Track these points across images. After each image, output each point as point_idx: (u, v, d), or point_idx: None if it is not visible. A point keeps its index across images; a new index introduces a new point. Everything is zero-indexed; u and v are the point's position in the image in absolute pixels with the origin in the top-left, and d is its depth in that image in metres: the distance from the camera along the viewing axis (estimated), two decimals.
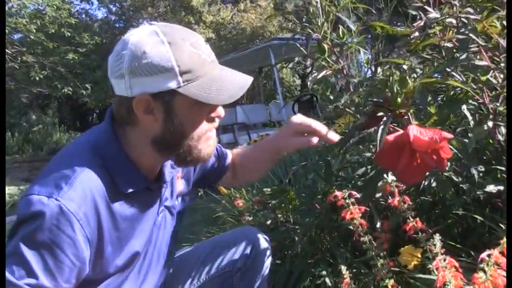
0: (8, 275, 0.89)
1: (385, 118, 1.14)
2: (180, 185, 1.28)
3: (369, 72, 1.55)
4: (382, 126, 1.11)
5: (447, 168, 1.29)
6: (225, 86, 1.01)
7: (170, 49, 0.97)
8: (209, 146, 1.09)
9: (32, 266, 0.90)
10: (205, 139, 1.07)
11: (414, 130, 1.04)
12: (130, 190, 1.05)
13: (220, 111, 1.07)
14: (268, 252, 1.42)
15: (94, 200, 0.98)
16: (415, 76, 1.21)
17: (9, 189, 7.21)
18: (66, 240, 0.94)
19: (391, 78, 1.16)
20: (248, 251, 1.39)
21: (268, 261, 1.42)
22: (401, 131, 1.09)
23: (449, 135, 1.02)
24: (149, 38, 0.98)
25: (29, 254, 0.91)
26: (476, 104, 1.28)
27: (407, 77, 1.15)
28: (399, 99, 1.17)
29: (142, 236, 1.13)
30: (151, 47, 0.96)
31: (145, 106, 1.00)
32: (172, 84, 0.97)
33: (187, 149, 1.05)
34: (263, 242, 1.42)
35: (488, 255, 0.84)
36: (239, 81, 1.04)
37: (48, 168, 1.02)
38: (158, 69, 0.96)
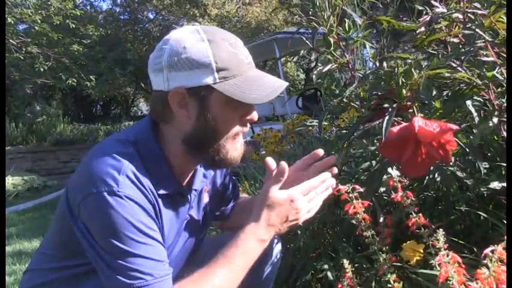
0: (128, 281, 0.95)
1: (390, 110, 1.14)
2: (206, 198, 1.28)
3: (374, 67, 1.54)
4: (387, 117, 1.11)
5: (451, 163, 1.28)
6: (260, 86, 1.02)
7: (209, 46, 1.00)
8: (236, 150, 1.09)
9: (139, 262, 0.96)
10: (233, 141, 1.08)
11: (419, 121, 1.03)
12: (163, 192, 1.06)
13: (255, 115, 1.07)
14: (278, 249, 1.41)
15: (144, 191, 1.01)
16: (420, 70, 1.21)
17: (13, 180, 7.22)
18: (148, 227, 0.99)
19: (396, 70, 1.16)
20: None
21: (278, 258, 1.41)
22: (406, 124, 1.09)
23: (455, 127, 1.01)
24: (190, 35, 1.03)
25: (133, 255, 0.95)
26: (481, 100, 1.27)
27: (412, 69, 1.15)
28: (404, 91, 1.16)
29: (168, 242, 1.13)
30: (191, 43, 1.01)
31: (180, 99, 1.03)
32: (209, 80, 1.00)
33: (216, 148, 1.06)
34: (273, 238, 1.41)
35: (492, 251, 0.84)
36: (273, 83, 1.05)
37: (91, 165, 1.02)
38: (196, 65, 0.99)
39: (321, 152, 1.16)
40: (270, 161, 1.11)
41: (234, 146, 1.08)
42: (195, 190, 1.19)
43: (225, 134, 1.06)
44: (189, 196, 1.17)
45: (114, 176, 0.97)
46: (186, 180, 1.17)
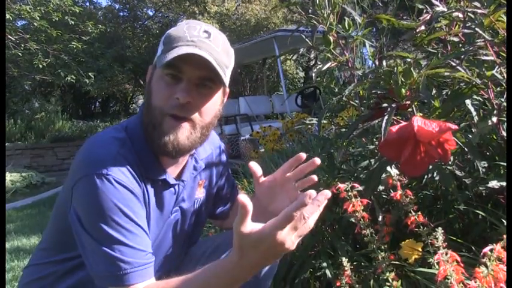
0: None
1: (389, 109, 1.14)
2: (201, 193, 1.28)
3: (374, 65, 1.54)
4: (386, 117, 1.11)
5: (450, 163, 1.29)
6: (174, 54, 0.98)
7: (172, 29, 1.07)
8: (170, 135, 1.03)
9: (122, 250, 0.95)
10: (168, 124, 1.03)
11: (418, 121, 1.04)
12: (148, 177, 1.07)
13: (180, 95, 1.01)
14: None
15: (134, 176, 1.02)
16: (420, 69, 1.21)
17: (12, 176, 7.22)
18: (135, 213, 0.99)
19: (395, 69, 1.16)
20: None
21: None
22: (405, 123, 1.09)
23: (455, 126, 1.01)
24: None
25: (116, 241, 0.95)
26: (480, 99, 1.27)
27: (411, 68, 1.15)
28: (403, 91, 1.16)
29: (155, 231, 1.14)
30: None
31: (148, 76, 1.10)
32: (158, 53, 1.05)
33: (154, 122, 1.04)
34: None
35: (491, 250, 0.84)
36: (185, 51, 0.99)
37: (84, 150, 1.04)
38: (160, 43, 1.07)
39: (303, 155, 1.11)
40: (254, 166, 1.06)
41: (168, 130, 1.03)
42: (183, 181, 1.18)
43: (155, 106, 1.03)
44: (176, 187, 1.16)
45: (104, 159, 0.98)
46: (177, 172, 1.17)
